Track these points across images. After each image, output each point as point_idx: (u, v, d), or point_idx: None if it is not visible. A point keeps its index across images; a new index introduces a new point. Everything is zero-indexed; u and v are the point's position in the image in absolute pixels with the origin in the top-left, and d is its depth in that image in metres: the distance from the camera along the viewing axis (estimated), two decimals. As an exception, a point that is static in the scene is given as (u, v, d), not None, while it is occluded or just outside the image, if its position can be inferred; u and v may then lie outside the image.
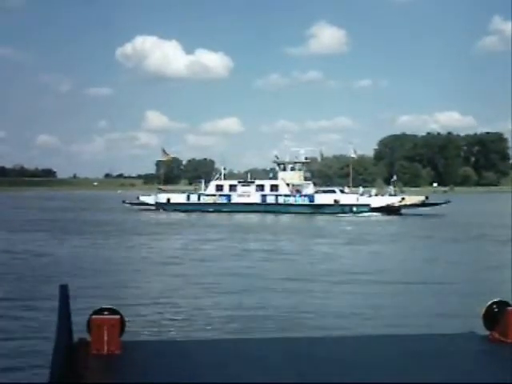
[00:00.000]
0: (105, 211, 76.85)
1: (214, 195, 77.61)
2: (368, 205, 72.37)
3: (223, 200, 77.45)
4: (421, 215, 67.84)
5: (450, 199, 75.80)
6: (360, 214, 69.21)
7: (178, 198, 79.50)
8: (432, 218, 65.80)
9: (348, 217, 67.00)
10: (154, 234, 44.94)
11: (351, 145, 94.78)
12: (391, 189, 77.06)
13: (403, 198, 73.51)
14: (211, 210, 74.86)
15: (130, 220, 62.30)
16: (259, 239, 41.38)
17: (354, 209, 72.01)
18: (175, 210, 74.14)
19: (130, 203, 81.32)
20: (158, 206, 77.75)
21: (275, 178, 79.48)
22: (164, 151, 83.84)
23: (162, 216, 68.90)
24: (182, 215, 69.24)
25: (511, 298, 5.30)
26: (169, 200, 78.55)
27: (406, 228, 53.63)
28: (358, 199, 73.65)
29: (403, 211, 71.50)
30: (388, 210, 70.82)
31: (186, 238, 42.44)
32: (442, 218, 65.44)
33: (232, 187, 78.16)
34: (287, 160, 79.89)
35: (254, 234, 46.17)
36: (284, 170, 79.43)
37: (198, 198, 78.20)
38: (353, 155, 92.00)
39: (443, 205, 72.79)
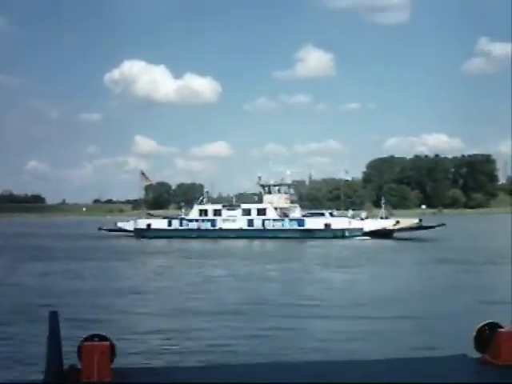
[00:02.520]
0: (74, 238, 71.40)
1: (197, 220, 72.06)
2: (361, 229, 66.98)
3: (207, 225, 71.84)
4: (415, 240, 62.58)
5: (441, 222, 70.25)
6: (353, 239, 63.81)
7: (159, 223, 73.59)
8: (428, 242, 60.50)
9: (340, 241, 61.45)
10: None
11: (342, 167, 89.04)
12: (382, 212, 71.73)
13: (398, 222, 68.08)
14: (194, 236, 69.23)
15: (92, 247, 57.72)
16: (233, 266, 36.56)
17: (347, 233, 66.57)
18: (156, 237, 68.53)
19: (107, 229, 75.16)
20: (138, 232, 71.92)
21: (260, 201, 73.54)
22: (143, 175, 77.87)
23: (136, 243, 63.83)
24: (161, 242, 63.69)
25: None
26: (149, 226, 72.78)
27: (411, 255, 48.06)
28: (350, 223, 68.33)
29: (396, 235, 66.32)
30: (381, 233, 65.43)
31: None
32: (438, 242, 60.14)
33: (217, 212, 72.40)
34: (272, 182, 73.99)
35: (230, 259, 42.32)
36: (269, 192, 73.52)
37: (181, 224, 72.49)
38: (346, 178, 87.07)
39: (437, 228, 67.42)
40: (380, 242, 60.95)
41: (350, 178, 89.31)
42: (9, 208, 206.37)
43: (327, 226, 67.90)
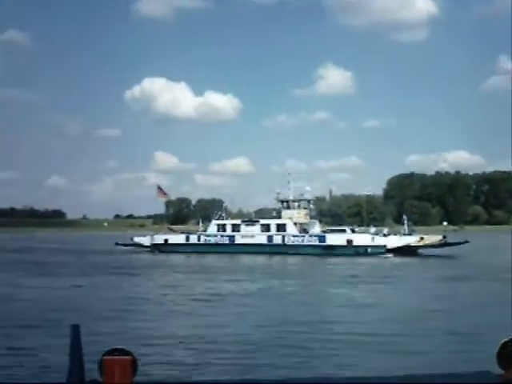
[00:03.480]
0: (89, 253, 69.44)
1: (216, 235, 70.00)
2: (384, 245, 64.11)
3: (225, 241, 69.72)
4: (440, 257, 60.04)
5: (462, 238, 67.56)
6: (376, 256, 61.22)
7: (177, 238, 71.62)
8: (452, 259, 57.97)
9: (363, 258, 58.96)
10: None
11: (363, 183, 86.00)
12: (405, 228, 68.93)
13: (422, 238, 65.34)
14: (212, 251, 67.17)
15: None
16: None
17: (369, 250, 63.80)
18: (173, 252, 66.54)
19: (124, 244, 73.22)
20: (155, 247, 69.96)
21: (279, 216, 70.94)
22: (160, 189, 75.93)
23: (151, 258, 62.08)
24: (177, 257, 61.79)
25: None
26: (166, 241, 70.83)
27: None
28: (373, 239, 65.55)
29: (420, 252, 63.75)
30: (405, 250, 62.88)
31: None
32: (464, 259, 57.65)
33: (235, 227, 70.23)
34: (291, 198, 71.57)
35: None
36: (288, 208, 71.14)
37: (198, 239, 70.43)
38: (367, 193, 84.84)
39: (461, 245, 64.71)
40: (404, 259, 58.53)
41: (372, 193, 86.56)
42: (29, 223, 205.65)
43: (349, 242, 65.36)
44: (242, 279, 39.23)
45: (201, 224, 75.12)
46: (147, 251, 69.41)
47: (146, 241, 72.23)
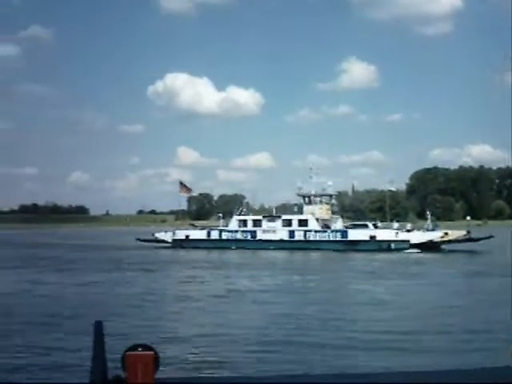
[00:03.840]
0: (109, 249, 69.40)
1: (237, 231, 69.47)
2: (408, 241, 62.93)
3: (247, 236, 69.17)
4: (463, 252, 59.01)
5: (486, 233, 66.40)
6: (399, 251, 60.26)
7: (198, 234, 71.23)
8: (476, 255, 57.01)
9: (386, 254, 57.95)
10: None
11: (386, 177, 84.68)
12: (429, 223, 67.77)
13: (446, 233, 64.17)
14: (234, 247, 66.69)
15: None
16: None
17: (393, 245, 62.73)
18: (194, 248, 66.14)
19: (144, 240, 72.85)
20: (176, 243, 69.61)
21: (300, 212, 70.22)
22: (183, 185, 75.39)
23: (172, 254, 61.67)
24: (198, 253, 61.39)
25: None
26: (187, 237, 70.41)
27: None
28: (396, 235, 64.43)
29: (444, 247, 62.72)
30: (428, 246, 61.89)
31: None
32: (487, 254, 56.62)
33: (256, 222, 69.60)
34: (313, 193, 70.67)
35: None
36: (310, 203, 70.29)
37: (220, 235, 69.98)
38: (390, 188, 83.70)
39: (485, 240, 63.50)
40: (427, 254, 57.56)
41: (394, 188, 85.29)
42: (52, 219, 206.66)
43: (372, 237, 64.51)
44: (261, 275, 38.65)
45: (221, 220, 74.58)
46: (168, 247, 69.04)
47: (167, 236, 71.87)
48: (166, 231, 74.12)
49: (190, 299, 27.61)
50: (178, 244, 69.13)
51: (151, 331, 18.52)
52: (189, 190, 76.73)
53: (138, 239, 72.20)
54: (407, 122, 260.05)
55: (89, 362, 4.05)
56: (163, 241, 71.31)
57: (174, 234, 71.50)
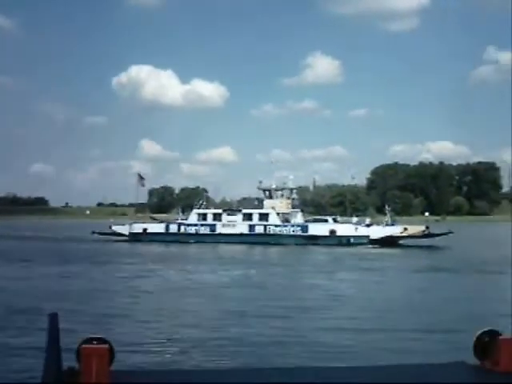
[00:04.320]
0: (64, 241, 68.06)
1: (196, 225, 68.27)
2: (367, 236, 62.83)
3: (206, 230, 68.02)
4: (421, 247, 58.83)
5: (444, 229, 66.43)
6: (358, 246, 59.86)
7: (156, 227, 69.61)
8: (435, 250, 56.76)
9: (345, 249, 57.41)
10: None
11: (348, 173, 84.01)
12: (388, 218, 67.61)
13: (405, 229, 63.99)
14: (192, 241, 65.50)
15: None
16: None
17: (352, 240, 62.49)
18: (152, 241, 64.78)
19: (101, 233, 71.07)
20: (133, 236, 68.11)
21: (261, 206, 69.29)
22: (140, 177, 73.83)
23: (126, 246, 60.50)
24: (157, 247, 60.16)
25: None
26: (145, 230, 68.91)
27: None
28: (356, 229, 64.24)
29: (402, 242, 62.49)
30: (387, 241, 61.57)
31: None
32: (446, 250, 56.53)
33: (216, 216, 68.44)
34: (274, 186, 69.93)
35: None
36: (270, 197, 69.43)
37: (178, 229, 68.68)
38: (352, 183, 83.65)
39: (444, 235, 63.45)
40: (387, 249, 57.17)
41: (356, 183, 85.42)
42: (12, 210, 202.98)
43: (332, 232, 64.10)
44: (217, 269, 37.98)
45: (180, 213, 73.21)
46: (125, 240, 67.51)
47: (124, 230, 70.09)
48: (123, 224, 72.54)
49: (139, 293, 26.66)
50: (135, 237, 67.54)
51: (93, 327, 17.27)
52: (142, 180, 74.50)
53: (94, 232, 70.52)
54: (370, 117, 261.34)
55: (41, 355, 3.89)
56: (120, 234, 69.67)
57: (131, 227, 69.83)
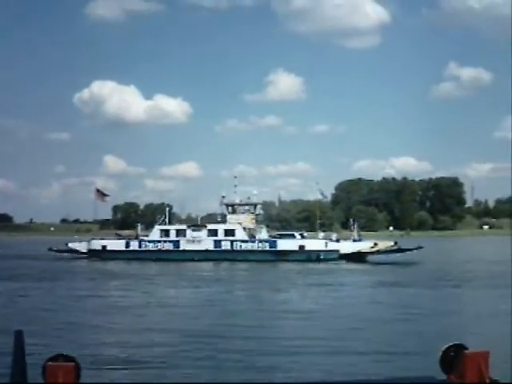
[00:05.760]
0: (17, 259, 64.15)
1: (159, 241, 64.63)
2: (337, 251, 60.11)
3: (169, 246, 64.40)
4: (392, 264, 55.94)
5: (412, 244, 64.12)
6: (328, 262, 56.85)
7: (116, 244, 65.66)
8: (408, 266, 53.87)
9: (315, 265, 54.47)
10: None
11: (316, 187, 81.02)
12: (355, 233, 64.89)
13: (376, 244, 61.48)
14: (154, 258, 61.84)
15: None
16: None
17: (322, 256, 59.62)
18: (112, 259, 60.94)
19: (58, 250, 66.88)
20: (92, 253, 64.13)
21: (224, 221, 66.05)
22: (98, 191, 69.98)
23: (83, 264, 57.09)
24: (116, 265, 56.47)
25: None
26: (104, 247, 65.04)
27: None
28: (326, 245, 61.35)
29: (370, 258, 59.76)
30: (356, 256, 58.74)
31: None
32: (420, 265, 53.74)
33: (180, 232, 64.94)
34: (237, 201, 66.84)
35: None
36: (234, 212, 66.25)
37: (140, 245, 64.92)
38: (320, 198, 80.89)
39: (414, 250, 60.86)
40: (358, 265, 54.43)
41: (322, 198, 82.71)
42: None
43: (301, 247, 61.05)
44: (177, 286, 36.30)
45: (139, 229, 69.46)
46: (83, 258, 63.54)
47: (81, 247, 66.18)
48: (80, 241, 68.42)
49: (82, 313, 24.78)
50: (94, 255, 63.62)
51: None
52: (103, 196, 70.84)
53: (51, 249, 66.35)
54: (333, 133, 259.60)
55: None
56: (77, 251, 65.71)
57: (89, 243, 65.91)
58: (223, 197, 66.72)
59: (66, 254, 65.63)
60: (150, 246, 64.53)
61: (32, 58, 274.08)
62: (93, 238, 68.14)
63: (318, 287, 36.27)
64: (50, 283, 38.01)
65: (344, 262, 57.61)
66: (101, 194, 69.83)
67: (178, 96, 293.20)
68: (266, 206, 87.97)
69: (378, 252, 60.53)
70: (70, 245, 67.34)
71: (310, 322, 22.56)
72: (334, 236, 65.87)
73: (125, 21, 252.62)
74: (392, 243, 62.54)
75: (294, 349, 17.03)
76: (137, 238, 67.01)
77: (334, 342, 18.09)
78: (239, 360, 15.66)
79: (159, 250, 63.99)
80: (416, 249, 61.06)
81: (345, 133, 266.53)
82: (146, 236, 66.59)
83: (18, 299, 29.42)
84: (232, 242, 62.99)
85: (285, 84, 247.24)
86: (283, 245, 61.92)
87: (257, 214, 67.21)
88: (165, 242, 64.53)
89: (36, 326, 20.33)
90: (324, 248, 60.73)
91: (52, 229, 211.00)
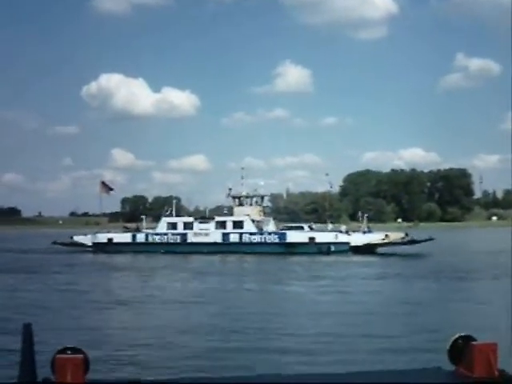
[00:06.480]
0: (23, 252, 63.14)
1: (166, 234, 63.27)
2: (348, 243, 58.56)
3: (176, 239, 63.03)
4: (402, 255, 54.49)
5: (421, 235, 62.59)
6: (339, 254, 55.37)
7: (122, 237, 64.34)
8: (419, 258, 52.34)
9: (325, 257, 53.04)
10: None
11: (325, 179, 79.70)
12: (364, 225, 63.43)
13: (387, 235, 59.93)
14: (162, 251, 60.49)
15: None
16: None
17: (333, 248, 58.08)
18: (118, 252, 59.60)
19: (62, 244, 65.60)
20: (97, 247, 62.81)
21: (231, 213, 64.41)
22: (103, 183, 68.55)
23: (88, 258, 55.90)
24: (122, 258, 55.10)
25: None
26: (110, 240, 63.64)
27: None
28: (336, 237, 59.81)
29: (380, 250, 58.24)
30: (367, 248, 57.26)
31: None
32: (431, 258, 52.20)
33: (187, 225, 63.53)
34: (244, 193, 65.41)
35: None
36: (240, 204, 64.79)
37: (146, 238, 63.57)
38: (330, 190, 79.91)
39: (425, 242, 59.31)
40: (369, 257, 52.94)
41: (334, 190, 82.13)
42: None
43: (311, 239, 59.54)
44: (183, 280, 35.28)
45: (144, 222, 68.06)
46: (89, 251, 62.18)
47: (86, 240, 64.77)
48: (85, 234, 66.98)
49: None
50: (99, 248, 62.31)
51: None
52: (108, 189, 69.37)
53: (55, 242, 65.04)
54: (341, 125, 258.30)
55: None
56: (82, 244, 64.41)
57: (94, 237, 64.53)
58: (230, 189, 65.43)
59: (70, 248, 64.20)
60: (157, 239, 63.24)
61: (40, 50, 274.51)
62: (98, 231, 66.76)
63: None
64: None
65: (353, 254, 56.21)
66: (105, 186, 68.37)
67: (186, 89, 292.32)
68: (274, 198, 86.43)
69: (390, 244, 59.02)
70: (74, 238, 66.02)
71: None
72: (344, 228, 64.54)
73: (132, 14, 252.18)
74: (403, 234, 60.99)
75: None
76: (138, 229, 65.73)
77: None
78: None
79: (166, 243, 62.67)
80: (427, 240, 59.54)
81: (353, 125, 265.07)
82: (151, 229, 65.30)
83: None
84: (241, 234, 61.62)
85: (292, 76, 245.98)
86: (293, 237, 60.39)
87: (264, 206, 65.91)
88: (172, 234, 63.24)
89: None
90: (334, 240, 59.23)
91: (60, 222, 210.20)
